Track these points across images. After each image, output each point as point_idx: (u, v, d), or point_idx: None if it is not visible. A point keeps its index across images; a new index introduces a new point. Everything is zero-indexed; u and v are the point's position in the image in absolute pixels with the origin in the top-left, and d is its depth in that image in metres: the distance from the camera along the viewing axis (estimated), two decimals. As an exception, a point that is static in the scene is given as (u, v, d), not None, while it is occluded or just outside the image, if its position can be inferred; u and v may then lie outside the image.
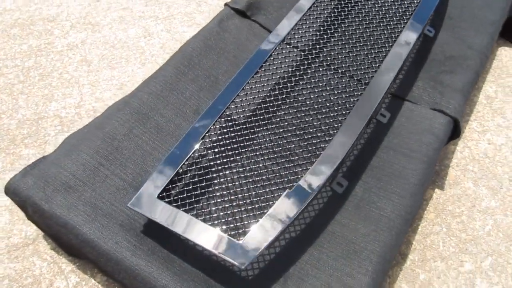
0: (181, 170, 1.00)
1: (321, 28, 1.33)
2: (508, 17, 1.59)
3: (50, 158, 1.09)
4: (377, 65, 1.21)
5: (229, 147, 1.07)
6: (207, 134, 1.04)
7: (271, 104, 1.18)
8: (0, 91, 1.47)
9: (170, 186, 0.99)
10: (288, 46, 1.29)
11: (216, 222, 0.97)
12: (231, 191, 1.03)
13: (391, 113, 1.22)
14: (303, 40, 1.30)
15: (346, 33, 1.32)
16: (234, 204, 1.00)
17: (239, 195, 1.01)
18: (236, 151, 1.08)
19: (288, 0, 1.44)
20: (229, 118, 1.12)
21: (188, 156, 0.99)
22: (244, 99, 1.16)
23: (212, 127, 1.05)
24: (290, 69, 1.25)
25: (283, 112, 1.17)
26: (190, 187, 1.00)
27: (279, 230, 0.90)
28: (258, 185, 1.03)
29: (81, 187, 1.03)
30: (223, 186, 1.03)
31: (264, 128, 1.13)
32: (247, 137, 1.11)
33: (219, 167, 1.05)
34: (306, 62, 1.26)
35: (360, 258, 1.01)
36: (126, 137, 1.11)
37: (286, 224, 0.91)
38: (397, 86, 1.28)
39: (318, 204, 1.08)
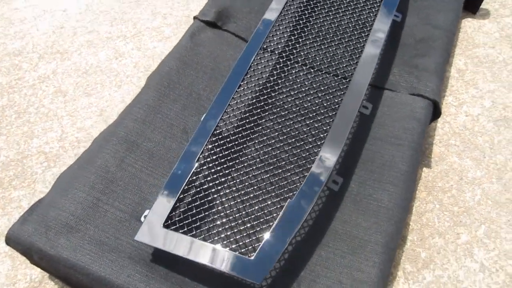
0: (182, 196, 1.01)
1: (296, 29, 1.34)
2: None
3: (46, 200, 1.08)
4: (356, 58, 1.24)
5: (225, 165, 1.08)
6: (201, 156, 1.04)
7: (259, 114, 1.19)
8: (-23, 136, 1.44)
9: (174, 213, 1.00)
10: (266, 53, 1.30)
11: (225, 242, 0.98)
12: (234, 208, 1.04)
13: (372, 104, 1.25)
14: (280, 44, 1.32)
15: (321, 31, 1.34)
16: (240, 221, 1.02)
17: (243, 212, 1.03)
18: (233, 168, 1.10)
19: (255, 4, 1.44)
20: (220, 136, 1.13)
21: (187, 180, 1.00)
22: (232, 114, 1.17)
23: (205, 148, 1.05)
24: (272, 76, 1.26)
25: (272, 121, 1.18)
26: (194, 211, 1.01)
27: (288, 240, 0.92)
28: (260, 198, 1.05)
29: (83, 226, 1.03)
30: (226, 205, 1.05)
31: (256, 140, 1.15)
32: (241, 152, 1.12)
33: (219, 187, 1.06)
34: (286, 66, 1.28)
35: (366, 251, 1.04)
36: (119, 168, 1.11)
37: (293, 233, 0.94)
38: (375, 76, 1.31)
39: (317, 205, 1.10)
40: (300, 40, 1.33)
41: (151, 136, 1.17)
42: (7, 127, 1.45)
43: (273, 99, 1.22)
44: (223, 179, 1.07)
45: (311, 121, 1.17)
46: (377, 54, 1.20)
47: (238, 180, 1.08)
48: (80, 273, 0.98)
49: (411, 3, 1.48)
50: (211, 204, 1.05)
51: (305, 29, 1.36)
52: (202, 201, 1.04)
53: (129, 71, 1.57)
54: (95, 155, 1.13)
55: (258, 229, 1.00)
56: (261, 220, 1.02)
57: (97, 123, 1.45)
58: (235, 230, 1.00)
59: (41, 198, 1.10)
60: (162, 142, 1.16)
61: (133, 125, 1.17)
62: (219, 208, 1.04)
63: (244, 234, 1.00)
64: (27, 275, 1.20)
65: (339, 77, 1.25)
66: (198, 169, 1.06)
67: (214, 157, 1.09)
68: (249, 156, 1.12)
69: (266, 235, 0.94)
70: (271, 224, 0.98)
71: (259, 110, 1.19)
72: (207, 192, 1.05)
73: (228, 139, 1.12)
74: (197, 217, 1.01)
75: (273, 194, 1.06)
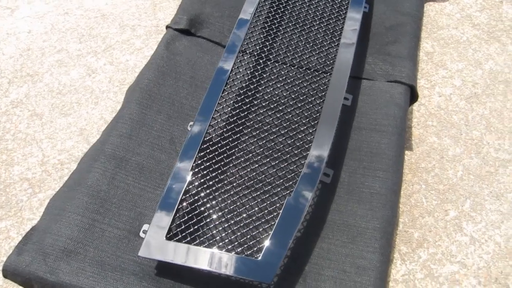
0: (180, 206, 1.01)
1: (272, 29, 1.36)
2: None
3: (40, 228, 1.05)
4: (334, 51, 1.27)
5: (219, 170, 1.09)
6: (194, 164, 1.04)
7: (246, 116, 1.20)
8: (-46, 169, 1.39)
9: (175, 224, 1.00)
10: (245, 55, 1.31)
11: (229, 246, 0.99)
12: (234, 212, 1.05)
13: (352, 94, 1.28)
14: (258, 45, 1.33)
15: (296, 28, 1.36)
16: (241, 224, 1.02)
17: (243, 214, 1.04)
18: (227, 172, 1.10)
19: (225, 8, 1.45)
20: (211, 142, 1.13)
21: (183, 190, 1.00)
22: (219, 119, 1.17)
23: (197, 156, 1.05)
24: (254, 78, 1.27)
25: (260, 122, 1.19)
26: (194, 219, 1.01)
27: (292, 236, 0.94)
28: (258, 199, 1.06)
29: (81, 249, 1.01)
30: (225, 209, 1.05)
31: (247, 142, 1.16)
32: (233, 156, 1.13)
33: (216, 192, 1.07)
34: (267, 66, 1.29)
35: (365, 238, 1.07)
36: (111, 186, 1.10)
37: (296, 229, 0.95)
38: (351, 66, 1.34)
39: (313, 199, 1.12)
40: (277, 39, 1.35)
41: (139, 150, 1.16)
42: (-16, 157, 1.41)
43: (258, 100, 1.23)
44: (219, 185, 1.08)
45: (299, 118, 1.19)
46: (353, 45, 1.23)
47: (234, 184, 1.09)
48: (86, 296, 0.97)
49: (376, -7, 1.52)
50: (210, 211, 1.05)
51: (280, 28, 1.37)
52: (201, 208, 1.04)
53: (104, 86, 1.54)
54: (85, 175, 1.11)
55: (260, 229, 1.01)
56: (262, 220, 1.03)
57: (78, 143, 1.42)
58: (238, 233, 1.01)
59: (34, 226, 1.08)
60: (151, 154, 1.16)
61: (120, 141, 1.16)
62: (219, 213, 1.04)
63: (248, 236, 1.00)
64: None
65: (320, 72, 1.27)
66: (193, 178, 1.06)
67: (207, 163, 1.09)
68: (242, 159, 1.13)
69: (269, 235, 0.95)
70: (272, 223, 0.99)
71: (246, 113, 1.20)
72: (204, 199, 1.05)
73: (219, 145, 1.13)
74: (198, 225, 1.01)
75: (270, 193, 1.07)
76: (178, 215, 1.02)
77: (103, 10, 1.75)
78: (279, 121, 1.19)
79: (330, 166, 1.17)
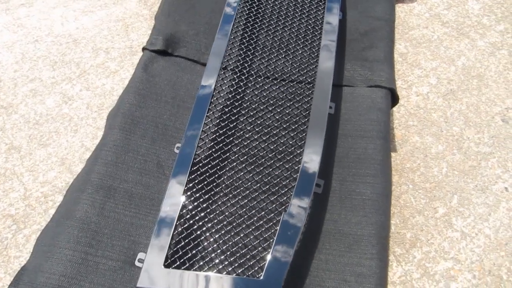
0: (176, 232, 0.99)
1: (251, 44, 1.36)
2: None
3: (30, 266, 1.02)
4: (314, 62, 1.28)
5: (212, 192, 1.07)
6: (186, 188, 1.03)
7: (234, 134, 1.19)
8: None
9: (172, 250, 0.98)
10: (227, 72, 1.30)
11: (230, 268, 0.97)
12: (231, 233, 1.03)
13: (335, 102, 1.29)
14: (238, 61, 1.32)
15: (275, 41, 1.37)
16: (240, 244, 1.01)
17: (241, 234, 1.03)
18: (221, 193, 1.09)
19: (200, 25, 1.44)
20: (201, 164, 1.11)
21: (177, 215, 0.98)
22: (207, 140, 1.16)
23: (188, 179, 1.04)
24: (238, 94, 1.26)
25: (248, 139, 1.18)
26: (191, 244, 1.00)
27: (292, 253, 0.93)
28: (254, 218, 1.05)
29: (76, 285, 0.98)
30: (222, 231, 1.04)
31: (238, 160, 1.15)
32: (225, 176, 1.11)
33: (211, 215, 1.05)
34: (250, 81, 1.29)
35: (362, 246, 1.07)
36: (101, 216, 1.07)
37: (295, 245, 0.95)
38: (331, 75, 1.35)
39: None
40: (257, 53, 1.35)
41: (126, 177, 1.13)
42: (-37, 196, 1.36)
43: (244, 117, 1.22)
44: (213, 206, 1.06)
45: (287, 131, 1.19)
46: (333, 54, 1.25)
47: (228, 204, 1.07)
48: (85, 334, 0.94)
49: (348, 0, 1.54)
50: (207, 234, 1.03)
51: (259, 41, 1.37)
52: (197, 232, 1.03)
53: (82, 113, 1.51)
54: (73, 208, 1.08)
55: (259, 248, 1.01)
56: (260, 238, 1.02)
57: (60, 173, 1.38)
58: (237, 254, 1.00)
59: (23, 265, 1.04)
60: (139, 180, 1.14)
61: (106, 169, 1.13)
62: (216, 236, 1.03)
63: (247, 257, 0.99)
64: None
65: (303, 83, 1.28)
66: (186, 202, 1.04)
67: (199, 186, 1.08)
68: (234, 178, 1.12)
69: (269, 253, 0.94)
70: (271, 240, 0.99)
71: (233, 131, 1.20)
72: (200, 223, 1.04)
73: (209, 166, 1.11)
74: (196, 249, 1.00)
75: (265, 211, 1.06)
76: (174, 241, 1.01)
77: (74, 35, 1.72)
78: (267, 136, 1.19)
79: (320, 176, 1.17)
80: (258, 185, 1.11)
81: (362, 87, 1.33)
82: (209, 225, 1.04)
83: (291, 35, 1.38)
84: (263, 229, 1.03)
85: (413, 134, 1.54)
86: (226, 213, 1.05)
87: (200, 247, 1.00)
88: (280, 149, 1.16)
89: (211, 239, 1.02)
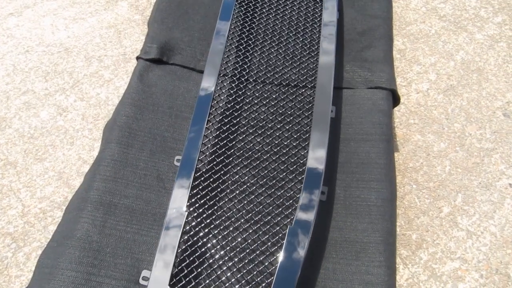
0: (180, 250, 0.97)
1: (247, 49, 1.32)
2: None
3: (32, 290, 1.00)
4: (314, 65, 1.25)
5: (215, 207, 1.05)
6: (188, 204, 1.00)
7: (236, 144, 1.16)
8: None
9: (177, 269, 0.96)
10: (225, 79, 1.27)
11: (237, 285, 0.95)
12: (237, 249, 1.01)
13: (335, 105, 1.27)
14: (236, 68, 1.29)
15: (272, 45, 1.34)
16: (246, 260, 0.99)
17: (247, 250, 1.00)
18: (224, 208, 1.06)
19: (195, 31, 1.41)
20: (202, 178, 1.09)
21: (181, 232, 0.96)
22: (208, 151, 1.13)
23: (190, 194, 1.01)
24: (238, 103, 1.23)
25: (250, 149, 1.16)
26: (197, 261, 0.97)
27: (300, 266, 0.91)
28: (260, 232, 1.02)
29: (80, 306, 0.96)
30: (227, 247, 1.01)
31: (240, 172, 1.12)
32: (228, 190, 1.09)
33: (215, 230, 1.03)
34: (249, 88, 1.26)
35: (369, 253, 1.05)
36: (102, 235, 1.04)
37: (303, 258, 0.93)
38: (330, 77, 1.33)
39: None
40: (254, 58, 1.31)
41: (126, 192, 1.11)
42: (-41, 216, 1.33)
43: (245, 126, 1.19)
44: (217, 222, 1.04)
45: (289, 140, 1.17)
46: (333, 56, 1.22)
47: (232, 218, 1.05)
48: None
49: (344, -2, 1.51)
50: (212, 250, 1.01)
51: (256, 45, 1.34)
52: (202, 249, 1.00)
53: (77, 125, 1.48)
54: (73, 227, 1.06)
55: (266, 263, 0.98)
56: (267, 253, 1.00)
57: (58, 188, 1.36)
58: (244, 271, 0.97)
59: (25, 288, 1.02)
60: (140, 195, 1.11)
61: (104, 185, 1.10)
62: (221, 252, 1.01)
63: (254, 272, 0.97)
64: None
65: (303, 88, 1.25)
66: (189, 218, 1.02)
67: (202, 201, 1.05)
68: (237, 191, 1.09)
69: (276, 267, 0.92)
70: (277, 254, 0.97)
71: (234, 141, 1.17)
72: (204, 239, 1.01)
73: (211, 179, 1.09)
74: (202, 267, 0.97)
75: (271, 224, 1.04)
76: (179, 259, 0.98)
77: (65, 43, 1.68)
78: (269, 146, 1.16)
79: (324, 182, 1.15)
80: (263, 197, 1.08)
81: (362, 89, 1.30)
82: (214, 241, 1.02)
83: (289, 38, 1.35)
84: (269, 244, 1.01)
85: (415, 133, 1.53)
86: (231, 229, 1.03)
87: (206, 264, 0.98)
88: (283, 159, 1.13)
89: (217, 256, 1.00)
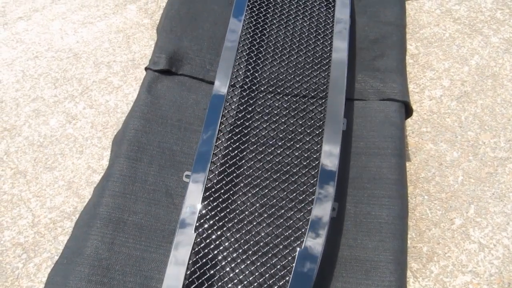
0: (190, 268, 0.97)
1: (259, 58, 1.30)
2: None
3: (42, 307, 1.00)
4: (325, 75, 1.23)
5: (225, 227, 1.04)
6: (197, 224, 1.00)
7: (246, 158, 1.15)
8: None
9: (187, 281, 0.96)
10: (236, 90, 1.26)
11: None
12: (246, 272, 1.01)
13: (346, 118, 1.24)
14: (247, 77, 1.27)
15: (284, 55, 1.31)
16: (255, 284, 0.99)
17: (255, 273, 1.00)
18: (235, 226, 1.05)
19: (204, 40, 1.39)
20: (212, 198, 1.08)
21: (191, 249, 0.95)
22: (218, 166, 1.12)
23: (200, 214, 1.01)
24: (248, 113, 1.21)
25: (260, 162, 1.14)
26: (206, 284, 0.97)
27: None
28: (269, 254, 1.02)
29: (90, 325, 0.97)
30: (238, 267, 1.01)
31: (250, 188, 1.11)
32: (238, 206, 1.08)
33: (225, 251, 1.02)
34: (260, 98, 1.24)
35: (379, 272, 1.04)
36: (111, 252, 1.05)
37: (313, 281, 0.92)
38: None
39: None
40: (265, 68, 1.29)
41: (135, 208, 1.11)
42: (-29, 225, 1.34)
43: (256, 139, 1.18)
44: (227, 241, 1.03)
45: (300, 153, 1.15)
46: (345, 67, 1.20)
47: (243, 239, 1.04)
48: None
49: (356, 3, 1.48)
50: (222, 269, 1.01)
51: (267, 55, 1.32)
52: (215, 268, 1.00)
53: (87, 133, 1.48)
54: (82, 244, 1.06)
55: (275, 287, 0.98)
56: (276, 277, 0.99)
57: (68, 197, 1.36)
58: (255, 285, 0.97)
59: (36, 305, 1.03)
60: (148, 211, 1.11)
61: (114, 201, 1.10)
62: (231, 270, 1.00)
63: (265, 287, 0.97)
64: None
65: (315, 99, 1.23)
66: (199, 238, 1.02)
67: (211, 221, 1.04)
68: (248, 208, 1.08)
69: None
70: (287, 278, 0.96)
71: (245, 153, 1.15)
72: (215, 256, 1.01)
73: (221, 199, 1.08)
74: (213, 280, 0.97)
75: (281, 246, 1.03)
76: (190, 279, 0.98)
77: (74, 49, 1.67)
78: (281, 158, 1.15)
79: (334, 198, 1.14)
80: (272, 218, 1.07)
81: (374, 100, 1.28)
82: (224, 258, 1.02)
83: (300, 47, 1.32)
84: (279, 266, 1.00)
85: (427, 142, 1.50)
86: (241, 250, 1.02)
87: (216, 277, 0.98)
88: (295, 178, 1.12)
89: (227, 274, 1.00)
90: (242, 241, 1.04)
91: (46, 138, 1.47)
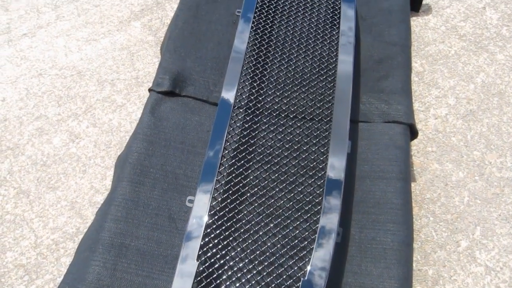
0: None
1: (262, 81, 1.29)
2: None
3: (43, 335, 1.00)
4: (330, 97, 1.22)
5: (228, 256, 1.03)
6: (200, 253, 0.99)
7: (251, 182, 1.14)
8: None
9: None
10: (239, 113, 1.25)
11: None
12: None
13: (351, 140, 1.23)
14: (251, 100, 1.26)
15: (288, 76, 1.31)
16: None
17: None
18: (238, 256, 1.04)
19: (207, 60, 1.38)
20: (215, 226, 1.07)
21: (193, 279, 0.94)
22: (221, 191, 1.11)
23: (202, 243, 1.00)
24: (253, 138, 1.20)
25: (265, 187, 1.13)
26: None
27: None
28: (273, 275, 1.01)
29: None
30: (242, 283, 1.00)
31: (254, 213, 1.10)
32: (241, 232, 1.07)
33: (229, 280, 1.01)
34: (263, 121, 1.23)
35: (384, 301, 1.03)
36: (113, 279, 1.04)
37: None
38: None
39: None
40: (270, 90, 1.28)
41: (137, 233, 1.10)
42: (-27, 246, 1.34)
43: (260, 163, 1.17)
44: (229, 272, 1.02)
45: (304, 178, 1.14)
46: (350, 89, 1.19)
47: (246, 267, 1.03)
48: None
49: (361, 22, 1.47)
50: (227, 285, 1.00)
51: (272, 77, 1.31)
52: (218, 282, 0.99)
53: (90, 152, 1.47)
54: (84, 270, 1.05)
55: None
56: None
57: (70, 218, 1.36)
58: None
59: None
60: (151, 236, 1.10)
61: (116, 226, 1.10)
62: (238, 285, 0.99)
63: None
64: None
65: (319, 121, 1.22)
66: (202, 267, 1.01)
67: (214, 250, 1.03)
68: (252, 237, 1.07)
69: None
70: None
71: (248, 179, 1.15)
72: (219, 281, 1.00)
73: (224, 227, 1.07)
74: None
75: (285, 274, 1.02)
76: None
77: (78, 66, 1.67)
78: (284, 185, 1.14)
79: (339, 223, 1.12)
80: (278, 245, 1.06)
81: (379, 122, 1.27)
82: (228, 281, 1.01)
83: (305, 69, 1.31)
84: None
85: (432, 161, 1.48)
86: (243, 280, 1.01)
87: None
88: (298, 198, 1.11)
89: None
90: (246, 269, 1.03)
91: (49, 157, 1.47)
